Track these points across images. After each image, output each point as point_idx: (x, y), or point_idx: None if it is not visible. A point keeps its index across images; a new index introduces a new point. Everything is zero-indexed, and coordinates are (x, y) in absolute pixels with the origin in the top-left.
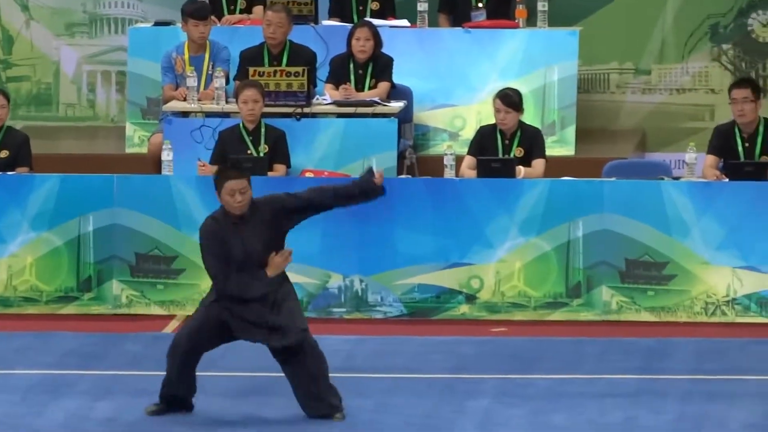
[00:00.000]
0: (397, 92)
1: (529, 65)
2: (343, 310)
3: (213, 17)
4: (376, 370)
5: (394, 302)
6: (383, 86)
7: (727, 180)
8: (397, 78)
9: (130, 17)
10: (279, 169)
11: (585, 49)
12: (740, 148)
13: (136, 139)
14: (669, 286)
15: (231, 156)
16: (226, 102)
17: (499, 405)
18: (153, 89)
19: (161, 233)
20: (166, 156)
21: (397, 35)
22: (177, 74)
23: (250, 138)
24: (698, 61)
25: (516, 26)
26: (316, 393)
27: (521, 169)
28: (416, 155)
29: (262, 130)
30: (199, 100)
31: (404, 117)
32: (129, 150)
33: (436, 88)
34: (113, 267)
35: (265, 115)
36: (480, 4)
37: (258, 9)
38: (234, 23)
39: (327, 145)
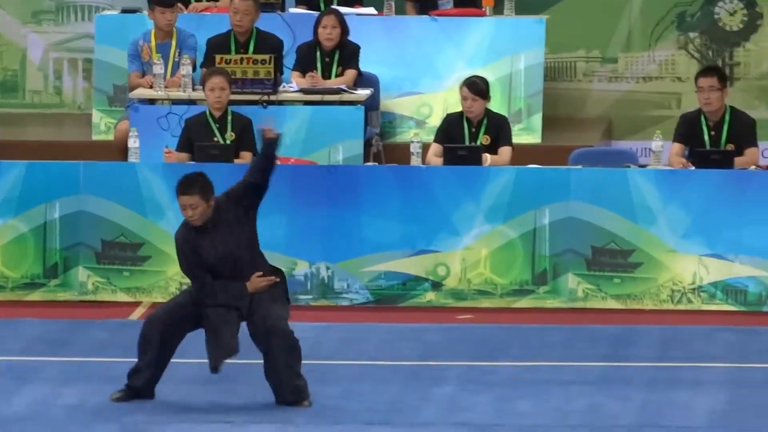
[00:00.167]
0: (363, 80)
1: (495, 53)
2: (310, 297)
3: (180, 5)
4: (343, 357)
5: (360, 289)
6: (350, 74)
7: (693, 168)
8: (364, 66)
9: (97, 5)
10: (245, 157)
11: (552, 37)
12: (706, 137)
13: (103, 126)
14: (635, 274)
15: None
16: (193, 89)
17: (465, 392)
18: (120, 77)
19: (127, 220)
20: (133, 143)
21: (363, 23)
22: (144, 62)
23: (217, 125)
24: (665, 50)
25: (483, 14)
26: (285, 381)
27: (488, 157)
28: (383, 143)
29: (229, 117)
30: (165, 87)
31: (371, 105)
32: (95, 137)
33: (403, 75)
34: (79, 254)
35: (231, 102)
36: None
37: None
38: (201, 11)
39: (294, 132)
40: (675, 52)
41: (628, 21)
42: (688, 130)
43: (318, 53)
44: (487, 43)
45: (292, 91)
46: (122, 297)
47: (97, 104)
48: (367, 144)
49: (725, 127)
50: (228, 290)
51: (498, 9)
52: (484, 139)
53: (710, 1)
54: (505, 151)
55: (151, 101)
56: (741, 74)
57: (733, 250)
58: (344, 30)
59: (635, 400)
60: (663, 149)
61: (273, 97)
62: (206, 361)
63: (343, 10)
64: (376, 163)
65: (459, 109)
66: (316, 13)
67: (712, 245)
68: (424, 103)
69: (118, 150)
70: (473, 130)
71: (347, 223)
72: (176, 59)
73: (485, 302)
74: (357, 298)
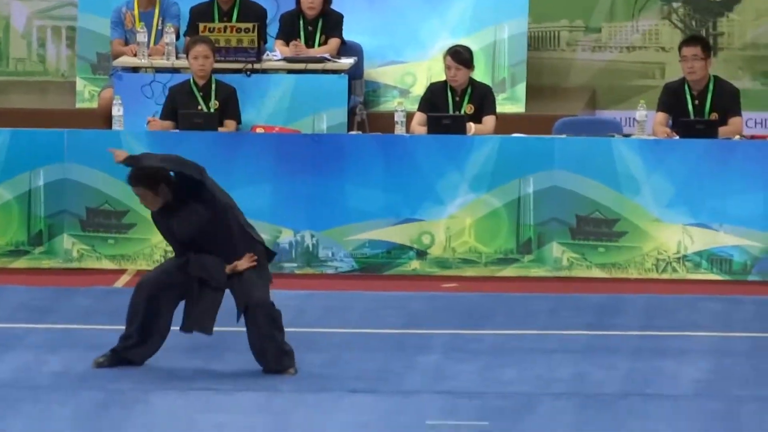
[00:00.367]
0: (347, 49)
1: (479, 22)
2: (294, 265)
3: None
4: (328, 325)
5: (344, 257)
6: (333, 42)
7: (677, 137)
8: (347, 34)
9: None
10: (229, 125)
11: (535, 6)
12: (690, 106)
13: (87, 94)
14: (620, 243)
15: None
16: (177, 58)
17: (450, 360)
18: (103, 45)
19: (112, 188)
20: (117, 111)
21: None
22: (126, 30)
23: (201, 94)
24: (648, 19)
25: None
26: (268, 351)
27: (472, 126)
28: (367, 111)
29: (213, 86)
30: (149, 55)
31: (354, 73)
32: (79, 105)
33: (387, 44)
34: (64, 221)
35: (215, 71)
36: None
37: None
38: None
39: (277, 101)
40: (658, 22)
41: None
42: (671, 100)
43: (301, 22)
44: (470, 13)
45: (276, 60)
46: (107, 264)
47: (80, 72)
48: (351, 113)
49: (709, 97)
50: (205, 266)
51: None
52: (468, 108)
53: None
54: (489, 120)
55: (135, 69)
56: (724, 44)
57: (718, 219)
58: None
59: (620, 368)
60: (647, 119)
61: (256, 66)
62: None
63: None
64: (360, 132)
65: (443, 78)
66: None
67: (697, 214)
68: (408, 72)
69: (102, 118)
70: (457, 99)
71: (332, 192)
72: (159, 27)
73: (470, 271)
74: (342, 266)
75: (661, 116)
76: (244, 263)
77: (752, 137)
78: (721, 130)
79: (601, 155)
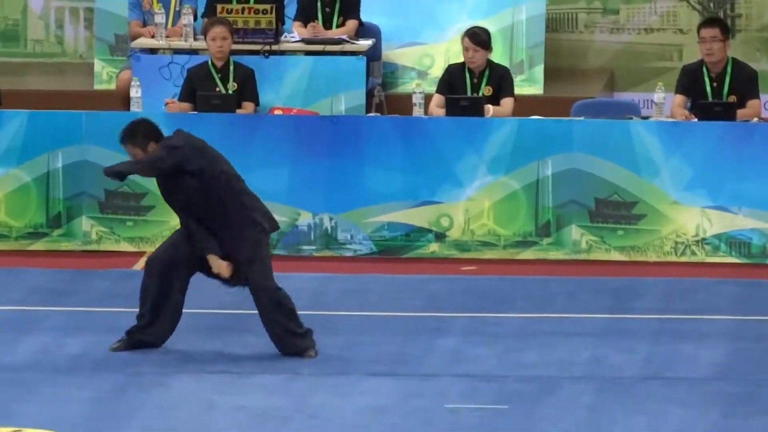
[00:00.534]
0: (365, 30)
1: (497, 4)
2: (313, 248)
3: None
4: (346, 307)
5: (363, 240)
6: (351, 24)
7: (695, 120)
8: (365, 16)
9: None
10: (248, 107)
11: None
12: (708, 88)
13: (105, 75)
14: (638, 226)
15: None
16: (195, 39)
17: (469, 343)
18: (121, 26)
19: None
20: (135, 93)
21: None
22: (144, 11)
23: (219, 75)
24: (666, 1)
25: None
26: (281, 336)
27: (490, 108)
28: (385, 93)
29: (231, 67)
30: (167, 37)
31: (372, 55)
32: (97, 86)
33: (405, 26)
34: (82, 203)
35: (233, 52)
36: None
37: None
38: None
39: (295, 82)
40: (676, 4)
41: None
42: (689, 82)
43: (319, 3)
44: None
45: (294, 41)
46: (125, 247)
47: (98, 53)
48: (369, 94)
49: (727, 79)
50: (195, 240)
51: None
52: (486, 90)
53: None
54: (507, 102)
55: (153, 51)
56: (742, 26)
57: (737, 202)
58: None
59: (639, 351)
60: (665, 101)
61: (275, 47)
62: (211, 310)
63: None
64: (378, 114)
65: (461, 59)
66: None
67: (715, 197)
68: (426, 53)
69: (121, 99)
70: (475, 80)
71: (350, 174)
72: (177, 8)
73: (489, 254)
74: (360, 249)
75: (679, 98)
76: (223, 268)
77: None
78: (740, 112)
79: (620, 137)
